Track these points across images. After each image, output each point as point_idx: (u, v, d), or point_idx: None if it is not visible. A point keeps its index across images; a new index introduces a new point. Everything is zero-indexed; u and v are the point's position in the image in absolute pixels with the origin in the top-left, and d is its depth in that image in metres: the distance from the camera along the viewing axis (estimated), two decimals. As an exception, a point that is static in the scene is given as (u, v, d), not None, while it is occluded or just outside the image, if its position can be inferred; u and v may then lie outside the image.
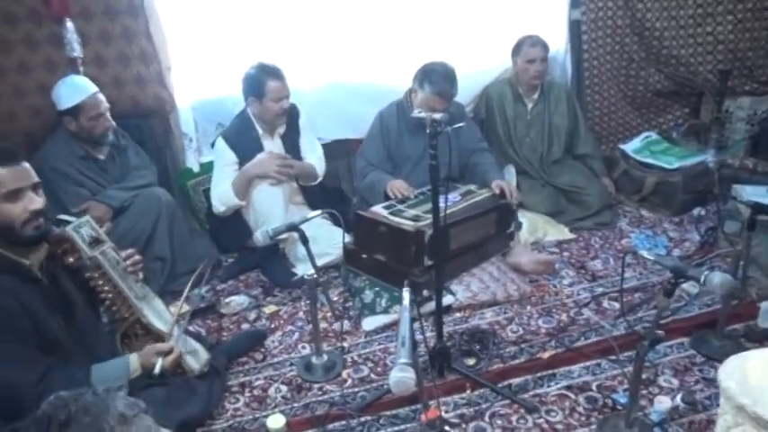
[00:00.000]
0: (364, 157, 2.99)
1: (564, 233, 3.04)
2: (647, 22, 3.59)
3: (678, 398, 1.95)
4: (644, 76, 3.75)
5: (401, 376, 1.32)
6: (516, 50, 3.23)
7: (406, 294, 1.53)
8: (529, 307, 2.51)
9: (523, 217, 3.03)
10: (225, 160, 2.72)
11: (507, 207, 2.76)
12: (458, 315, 2.48)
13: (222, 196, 2.71)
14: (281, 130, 2.82)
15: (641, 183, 3.25)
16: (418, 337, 2.26)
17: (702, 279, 1.57)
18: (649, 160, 3.28)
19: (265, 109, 2.69)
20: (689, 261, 2.72)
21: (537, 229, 3.02)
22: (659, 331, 1.69)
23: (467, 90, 3.28)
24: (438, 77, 2.72)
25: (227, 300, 2.62)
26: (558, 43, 3.61)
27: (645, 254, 1.78)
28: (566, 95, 3.35)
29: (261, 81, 2.65)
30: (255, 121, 2.76)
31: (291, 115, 2.83)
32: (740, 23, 3.59)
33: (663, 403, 1.92)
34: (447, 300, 2.48)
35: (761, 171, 3.06)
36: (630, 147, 3.40)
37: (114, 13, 2.84)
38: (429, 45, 3.28)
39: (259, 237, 2.07)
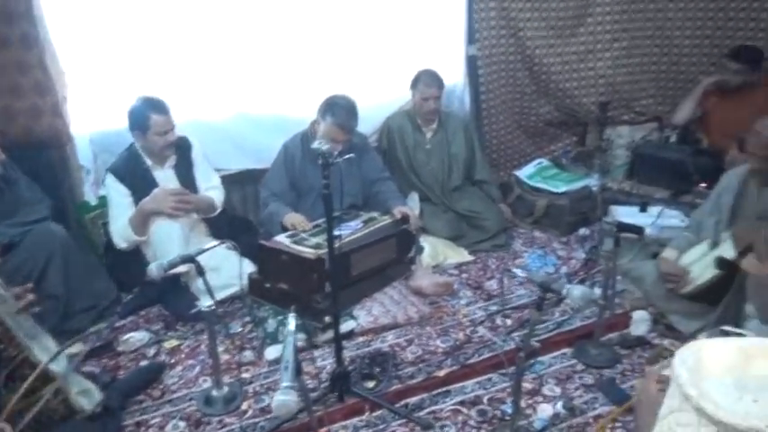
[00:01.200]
0: (267, 187, 3.04)
1: (463, 256, 3.19)
2: (537, 58, 3.89)
3: (559, 405, 2.11)
4: (535, 108, 4.04)
5: (283, 399, 1.37)
6: (414, 84, 3.41)
7: (291, 320, 1.59)
8: (428, 328, 2.61)
9: (425, 242, 3.16)
10: (117, 194, 2.70)
11: (407, 233, 2.88)
12: (360, 339, 2.54)
13: (122, 232, 2.68)
14: (172, 161, 2.84)
15: (533, 206, 3.47)
16: (320, 363, 2.35)
17: (564, 292, 1.73)
18: (540, 185, 3.52)
19: (150, 142, 2.71)
20: (575, 277, 2.94)
21: (438, 253, 3.16)
22: (534, 342, 1.83)
23: (370, 121, 3.42)
24: (340, 110, 2.83)
25: (126, 337, 2.56)
26: (457, 77, 3.85)
27: (517, 271, 1.93)
28: (462, 126, 3.55)
29: (144, 115, 2.67)
30: (144, 153, 2.77)
31: (183, 147, 2.85)
32: (617, 60, 3.96)
33: (545, 411, 2.07)
34: (349, 325, 2.55)
35: (635, 193, 3.36)
36: (524, 173, 3.63)
37: (8, 44, 2.76)
38: (333, 78, 3.40)
39: (153, 269, 2.06)
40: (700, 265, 2.42)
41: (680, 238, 2.59)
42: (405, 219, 2.92)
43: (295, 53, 3.36)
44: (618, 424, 1.99)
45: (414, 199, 3.41)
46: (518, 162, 4.02)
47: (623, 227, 2.27)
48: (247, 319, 2.67)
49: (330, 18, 3.39)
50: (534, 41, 3.84)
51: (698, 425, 0.68)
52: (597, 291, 2.45)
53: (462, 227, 3.34)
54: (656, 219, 2.87)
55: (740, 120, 3.29)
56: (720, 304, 2.28)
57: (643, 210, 3.08)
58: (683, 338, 2.38)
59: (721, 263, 2.31)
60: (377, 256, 2.77)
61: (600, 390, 2.18)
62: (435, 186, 3.45)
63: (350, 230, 2.76)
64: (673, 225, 2.85)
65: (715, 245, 2.42)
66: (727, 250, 2.32)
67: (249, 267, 2.70)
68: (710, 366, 0.72)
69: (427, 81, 3.34)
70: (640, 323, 2.47)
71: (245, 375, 2.32)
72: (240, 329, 2.63)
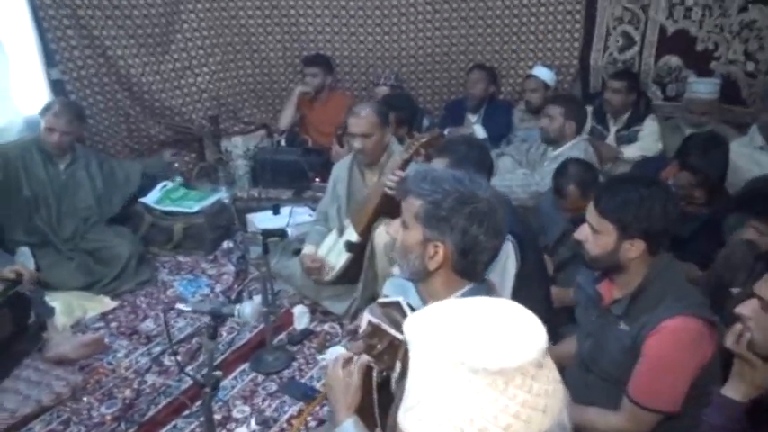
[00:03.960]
0: None
1: (105, 303, 2.82)
2: (133, 78, 3.66)
3: (252, 422, 2.08)
4: (145, 129, 3.83)
5: None
6: (42, 112, 2.93)
7: None
8: (86, 398, 2.23)
9: (54, 300, 2.66)
10: None
11: (20, 296, 2.35)
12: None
13: None
14: None
15: (170, 231, 3.31)
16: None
17: (237, 314, 1.70)
18: (172, 208, 3.37)
19: None
20: (231, 291, 2.94)
21: (73, 309, 2.71)
22: (216, 372, 1.75)
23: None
24: None
25: None
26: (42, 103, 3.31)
27: (182, 306, 1.81)
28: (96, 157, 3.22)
29: None
30: None
31: None
32: (216, 74, 4.05)
33: (241, 435, 2.01)
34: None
35: (264, 198, 3.54)
36: (151, 199, 3.41)
37: None
38: None
39: None
40: (335, 252, 2.70)
41: (313, 233, 2.84)
42: (18, 280, 2.39)
43: None
44: (309, 417, 2.08)
45: (24, 253, 2.83)
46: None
47: (268, 233, 2.36)
48: None
49: None
50: (126, 60, 3.62)
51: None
52: (257, 298, 2.50)
53: (92, 267, 2.94)
54: (290, 218, 3.08)
55: (328, 119, 3.84)
56: (359, 281, 2.60)
57: (276, 212, 3.27)
58: (340, 318, 2.65)
59: (350, 246, 2.63)
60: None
61: (284, 392, 2.25)
62: (70, 227, 2.98)
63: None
64: (304, 221, 3.11)
65: (342, 231, 2.74)
66: (352, 233, 2.65)
67: None
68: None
69: (56, 111, 2.87)
70: (301, 317, 2.63)
71: None
72: None
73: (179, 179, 3.62)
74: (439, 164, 2.02)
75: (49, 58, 3.33)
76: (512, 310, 0.78)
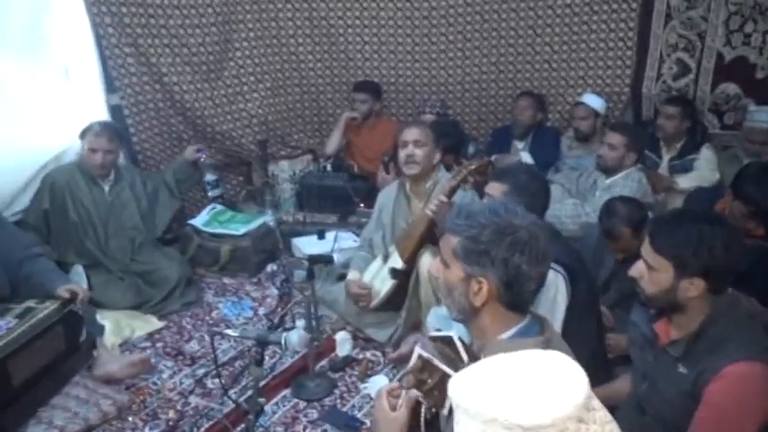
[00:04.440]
0: None
1: (153, 323, 2.88)
2: (187, 103, 3.77)
3: (293, 451, 2.06)
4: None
5: None
6: (82, 135, 3.03)
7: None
8: (131, 418, 2.26)
9: (104, 318, 2.74)
10: None
11: (73, 314, 2.42)
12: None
13: None
14: None
15: (217, 253, 3.37)
16: None
17: (283, 342, 1.70)
18: (219, 230, 3.43)
19: None
20: (274, 315, 2.95)
21: (122, 328, 2.78)
22: (261, 399, 1.75)
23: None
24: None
25: None
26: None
27: (229, 332, 1.82)
28: (138, 174, 3.30)
29: None
30: None
31: None
32: (265, 100, 4.14)
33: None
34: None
35: (309, 222, 3.57)
36: (199, 221, 3.49)
37: None
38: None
39: None
40: (379, 278, 2.69)
41: (357, 258, 2.83)
42: (72, 299, 2.46)
43: None
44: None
45: (78, 272, 2.93)
46: (189, 211, 3.83)
47: (315, 259, 2.37)
48: None
49: None
50: (181, 86, 3.73)
51: None
52: (300, 323, 2.51)
53: (142, 288, 3.01)
54: (334, 243, 3.09)
55: (374, 145, 3.86)
56: (403, 309, 2.57)
57: (321, 237, 3.29)
58: (382, 346, 2.62)
59: (394, 273, 2.61)
60: (42, 353, 2.26)
61: (326, 421, 2.22)
62: (118, 248, 3.08)
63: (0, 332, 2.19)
64: (348, 246, 3.12)
65: (386, 258, 2.73)
66: (397, 260, 2.64)
67: None
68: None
69: (97, 131, 2.98)
70: (344, 343, 2.61)
71: None
72: None
73: (211, 177, 3.66)
74: (495, 189, 1.99)
75: (109, 84, 3.46)
76: (554, 363, 0.80)
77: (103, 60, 3.41)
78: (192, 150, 3.49)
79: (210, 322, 2.92)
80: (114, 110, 3.50)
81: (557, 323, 1.80)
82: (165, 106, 3.73)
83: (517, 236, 1.21)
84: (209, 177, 3.66)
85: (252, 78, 4.06)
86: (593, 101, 3.61)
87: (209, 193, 3.67)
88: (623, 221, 2.30)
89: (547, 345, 1.15)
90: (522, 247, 1.20)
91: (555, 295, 1.83)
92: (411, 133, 2.65)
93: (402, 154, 2.66)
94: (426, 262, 2.45)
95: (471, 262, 1.22)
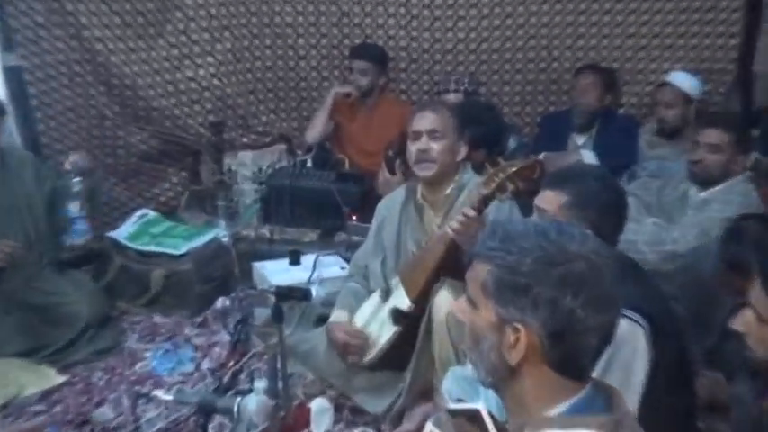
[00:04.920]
0: None
1: (50, 378, 2.84)
2: (114, 68, 3.75)
3: None
4: (123, 137, 3.91)
5: None
6: None
7: None
8: None
9: (-19, 369, 2.69)
10: None
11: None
12: None
13: None
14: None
15: (146, 280, 3.33)
16: None
17: (236, 411, 1.65)
18: (150, 248, 3.41)
19: None
20: (223, 371, 2.86)
21: (7, 383, 2.74)
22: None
23: None
24: None
25: None
26: (-2, 94, 3.44)
27: (160, 394, 1.78)
28: (30, 161, 3.24)
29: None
30: None
31: None
32: (223, 66, 4.11)
33: None
34: None
35: (279, 239, 3.53)
36: (122, 233, 3.47)
37: None
38: None
39: None
40: (375, 323, 2.63)
41: (346, 293, 2.78)
42: None
43: None
44: None
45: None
46: (110, 218, 3.79)
47: (285, 292, 2.30)
48: None
49: None
50: (106, 44, 3.75)
51: None
52: (261, 384, 2.44)
53: (37, 328, 2.97)
54: (313, 271, 3.05)
55: (375, 133, 3.82)
56: (409, 368, 2.50)
57: (295, 261, 3.23)
58: (377, 421, 2.55)
59: (397, 316, 2.54)
60: None
61: None
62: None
63: None
64: (334, 275, 3.07)
65: (387, 294, 2.66)
66: (402, 298, 2.56)
67: None
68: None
69: None
70: (321, 415, 2.51)
71: None
72: None
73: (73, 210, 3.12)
74: (547, 201, 1.94)
75: (6, 39, 3.44)
76: None
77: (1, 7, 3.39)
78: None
79: (133, 378, 2.87)
80: (10, 73, 3.48)
81: (632, 397, 1.74)
82: (84, 71, 3.71)
83: (572, 267, 1.17)
84: (72, 209, 3.11)
85: (206, 36, 4.05)
86: (684, 81, 3.59)
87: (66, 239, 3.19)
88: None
89: (615, 429, 1.12)
90: (577, 283, 1.16)
91: (631, 356, 1.77)
92: (425, 120, 2.62)
93: (413, 148, 2.63)
94: (444, 301, 2.39)
95: (506, 302, 1.19)
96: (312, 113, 4.09)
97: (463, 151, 2.67)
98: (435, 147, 2.59)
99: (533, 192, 2.10)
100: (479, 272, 1.23)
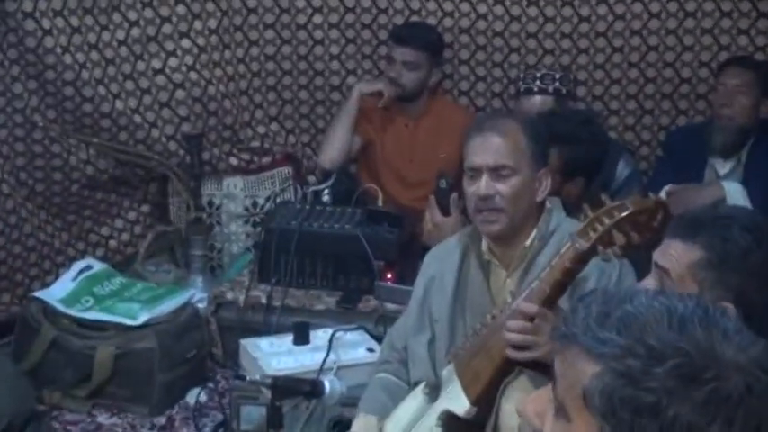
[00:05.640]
0: None
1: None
2: (49, 55, 3.81)
3: None
4: (60, 154, 3.95)
5: None
6: None
7: None
8: None
9: None
10: None
11: None
12: None
13: None
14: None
15: (89, 361, 3.35)
16: None
17: None
18: (97, 315, 3.43)
19: None
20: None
21: None
22: None
23: None
24: None
25: None
26: None
27: None
28: None
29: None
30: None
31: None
32: (202, 53, 4.14)
33: None
34: None
35: (279, 306, 3.54)
36: (56, 293, 3.50)
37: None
38: None
39: None
40: (422, 429, 2.63)
41: (376, 388, 2.78)
42: None
43: None
44: None
45: None
46: (40, 271, 3.86)
47: (285, 386, 2.32)
48: None
49: None
50: (40, 22, 3.78)
51: None
52: None
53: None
54: (328, 353, 3.07)
55: (421, 153, 3.84)
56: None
57: (301, 339, 3.23)
58: None
59: (449, 423, 2.54)
60: None
61: None
62: None
63: None
64: (358, 360, 3.09)
65: (435, 390, 2.66)
66: (459, 398, 2.57)
67: None
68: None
69: None
70: None
71: None
72: None
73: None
74: (677, 257, 1.94)
75: None
76: None
77: None
78: None
79: None
80: None
81: None
82: (8, 58, 3.79)
83: (722, 387, 1.13)
84: None
85: (180, 10, 4.12)
86: None
87: None
88: None
89: None
90: (728, 411, 1.13)
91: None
92: (488, 149, 2.58)
93: (470, 191, 2.62)
94: (518, 405, 2.39)
95: (621, 423, 1.18)
96: (330, 124, 4.13)
97: (548, 184, 2.65)
98: (503, 189, 2.55)
99: (653, 242, 2.10)
100: (580, 371, 1.20)
